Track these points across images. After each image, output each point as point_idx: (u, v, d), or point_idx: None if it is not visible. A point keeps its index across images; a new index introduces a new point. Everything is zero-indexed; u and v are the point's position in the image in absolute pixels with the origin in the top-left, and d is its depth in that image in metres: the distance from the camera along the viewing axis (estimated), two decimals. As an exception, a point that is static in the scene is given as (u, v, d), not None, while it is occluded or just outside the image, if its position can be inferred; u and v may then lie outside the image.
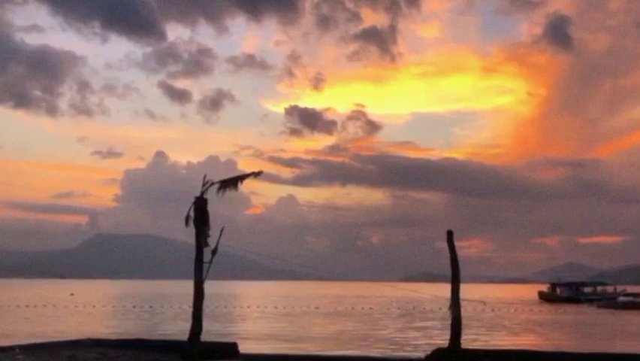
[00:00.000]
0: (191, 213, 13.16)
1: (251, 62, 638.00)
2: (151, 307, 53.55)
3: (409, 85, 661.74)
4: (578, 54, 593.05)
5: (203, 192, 13.30)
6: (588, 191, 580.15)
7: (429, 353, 13.30)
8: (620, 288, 75.36)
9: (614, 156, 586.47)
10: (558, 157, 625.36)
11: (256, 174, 13.84)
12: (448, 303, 13.36)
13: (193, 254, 12.98)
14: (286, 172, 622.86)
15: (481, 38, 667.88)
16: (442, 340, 14.97)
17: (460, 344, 12.96)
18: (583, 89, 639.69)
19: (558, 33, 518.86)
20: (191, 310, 13.01)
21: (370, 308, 55.09)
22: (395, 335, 29.62)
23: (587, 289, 74.37)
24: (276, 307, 54.37)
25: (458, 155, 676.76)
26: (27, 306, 52.87)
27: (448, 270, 13.34)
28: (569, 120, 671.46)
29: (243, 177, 13.81)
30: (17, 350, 12.21)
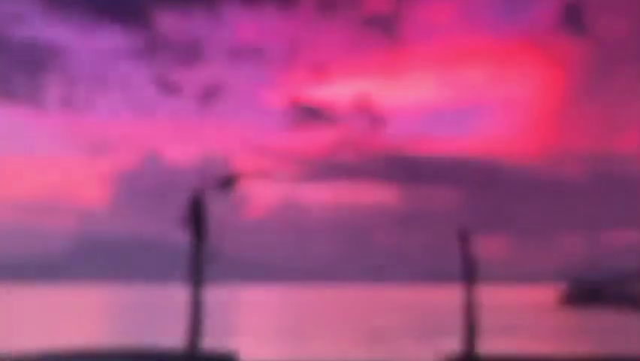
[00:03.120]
0: (188, 214, 13.17)
1: (248, 52, 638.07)
2: (147, 314, 53.68)
3: (418, 74, 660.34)
4: (596, 41, 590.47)
5: (200, 191, 13.31)
6: (609, 185, 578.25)
7: (443, 358, 13.31)
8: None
9: (638, 146, 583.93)
10: (578, 149, 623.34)
11: (257, 173, 13.84)
12: (462, 306, 13.35)
13: (191, 257, 12.99)
14: (288, 168, 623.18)
15: (495, 25, 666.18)
16: (457, 345, 14.97)
17: (474, 348, 12.96)
18: (602, 77, 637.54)
19: (575, 18, 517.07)
20: (188, 316, 13.03)
21: (381, 312, 55.12)
22: (408, 340, 29.64)
23: (608, 289, 74.25)
24: (279, 313, 54.44)
25: (472, 148, 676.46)
26: (17, 313, 53.04)
27: (461, 271, 13.33)
28: (588, 110, 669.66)
29: (242, 175, 13.81)
30: (11, 358, 12.28)
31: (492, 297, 73.51)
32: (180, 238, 13.29)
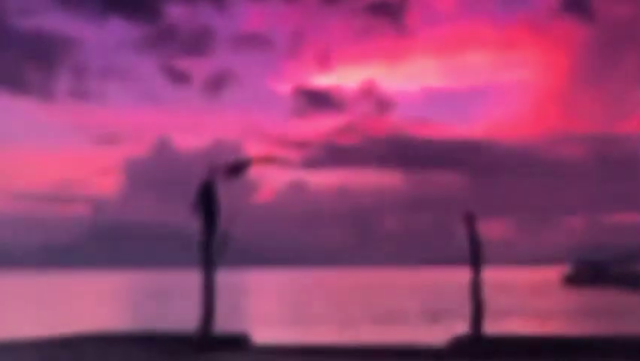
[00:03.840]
0: (198, 201, 13.15)
1: (254, 41, 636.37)
2: (159, 298, 54.01)
3: (422, 60, 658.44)
4: (599, 25, 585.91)
5: (209, 178, 13.28)
6: (612, 167, 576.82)
7: (449, 340, 13.29)
8: (647, 267, 74.84)
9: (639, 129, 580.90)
10: (581, 132, 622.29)
11: (265, 159, 13.80)
12: (468, 288, 13.32)
13: (200, 242, 12.98)
14: (295, 155, 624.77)
15: (498, 10, 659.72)
16: (463, 327, 14.97)
17: (481, 330, 12.93)
18: (605, 61, 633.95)
19: (577, 3, 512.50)
20: (200, 301, 13.05)
21: (388, 295, 55.27)
22: (414, 323, 29.71)
23: (612, 269, 74.15)
24: (288, 296, 54.70)
25: (476, 133, 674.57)
26: (31, 299, 53.47)
27: (467, 253, 13.28)
28: (591, 94, 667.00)
29: (251, 162, 13.76)
30: (23, 344, 12.34)
31: (496, 279, 73.59)
32: (191, 224, 13.29)
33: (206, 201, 13.13)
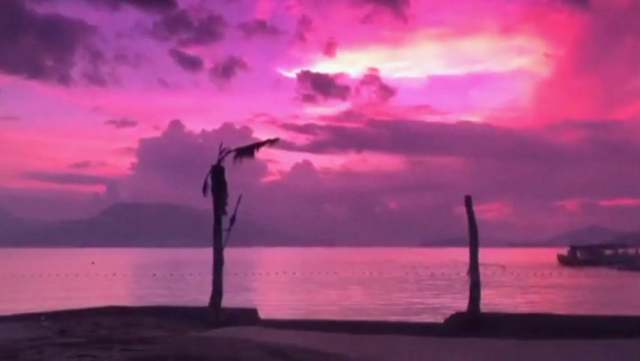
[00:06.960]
0: (209, 182, 13.27)
1: (262, 28, 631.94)
2: (171, 274, 54.38)
3: (424, 47, 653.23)
4: (597, 12, 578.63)
5: (220, 161, 13.38)
6: (609, 153, 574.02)
7: (448, 317, 13.43)
8: (641, 250, 74.61)
9: (636, 116, 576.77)
10: (578, 119, 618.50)
11: (272, 142, 13.87)
12: (466, 268, 13.42)
13: (211, 222, 13.13)
14: (301, 139, 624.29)
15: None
16: (461, 304, 15.10)
17: (478, 308, 13.04)
18: (603, 48, 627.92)
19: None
20: (211, 277, 13.23)
21: (388, 274, 55.51)
22: (413, 300, 29.89)
23: (608, 252, 73.96)
24: (294, 273, 54.99)
25: (476, 118, 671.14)
26: (49, 275, 53.95)
27: (466, 235, 13.34)
28: (588, 81, 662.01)
29: (258, 145, 13.85)
30: (43, 317, 12.55)
31: (495, 259, 73.63)
32: (202, 203, 13.43)
33: (217, 183, 13.26)
